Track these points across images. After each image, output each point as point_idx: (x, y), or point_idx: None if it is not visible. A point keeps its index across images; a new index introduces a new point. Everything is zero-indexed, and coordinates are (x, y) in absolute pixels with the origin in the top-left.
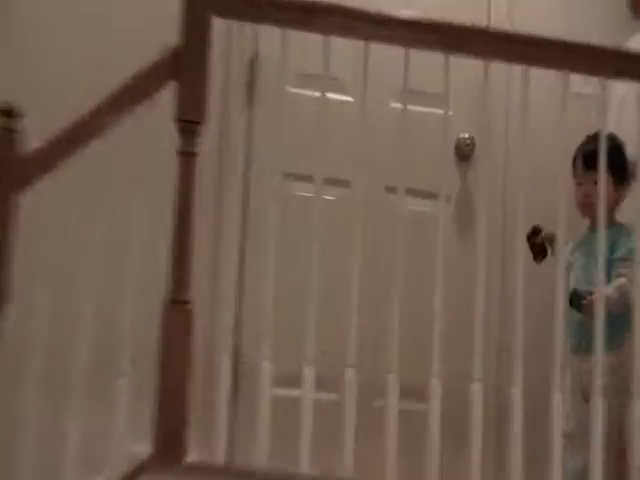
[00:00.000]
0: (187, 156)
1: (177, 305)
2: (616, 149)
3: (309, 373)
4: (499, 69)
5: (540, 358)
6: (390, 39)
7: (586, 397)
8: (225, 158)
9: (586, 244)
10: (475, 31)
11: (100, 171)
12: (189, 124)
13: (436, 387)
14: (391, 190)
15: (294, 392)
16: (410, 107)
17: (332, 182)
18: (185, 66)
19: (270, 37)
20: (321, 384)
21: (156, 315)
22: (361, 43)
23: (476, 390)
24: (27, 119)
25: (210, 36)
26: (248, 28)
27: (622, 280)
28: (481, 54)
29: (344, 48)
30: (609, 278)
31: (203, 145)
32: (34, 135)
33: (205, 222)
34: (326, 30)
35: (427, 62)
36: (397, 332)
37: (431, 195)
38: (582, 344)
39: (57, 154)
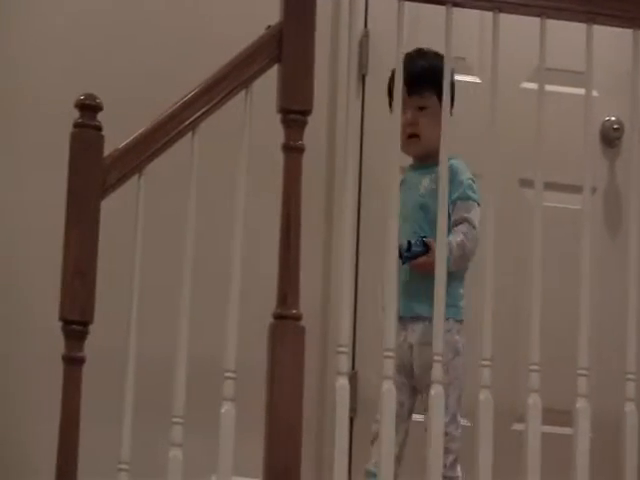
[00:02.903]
0: (293, 151)
1: (286, 321)
2: (443, 67)
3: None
4: None
5: None
6: (523, 8)
7: (414, 384)
8: (334, 153)
9: (411, 187)
10: None
11: (192, 171)
12: (294, 114)
13: (584, 409)
14: (526, 183)
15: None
16: (547, 87)
17: None
18: (287, 48)
19: (383, 12)
20: None
21: (263, 332)
22: (488, 14)
23: (630, 411)
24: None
25: (314, 12)
26: (359, 1)
27: (463, 230)
28: (630, 22)
29: (468, 22)
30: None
31: (310, 139)
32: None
33: (315, 225)
34: (447, 0)
35: (566, 34)
36: (538, 345)
37: (573, 188)
38: (403, 307)
39: (144, 153)
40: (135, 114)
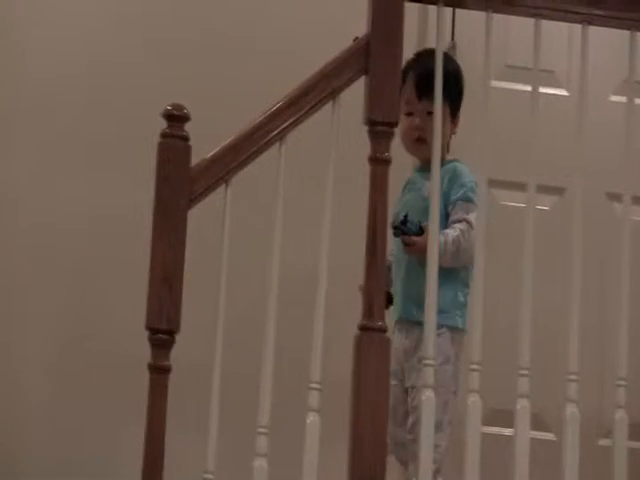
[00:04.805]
0: (380, 163)
1: (372, 333)
2: (453, 72)
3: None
4: None
5: None
6: (614, 21)
7: (407, 386)
8: None
9: (415, 189)
10: None
11: (279, 181)
12: (381, 126)
13: None
14: (615, 197)
15: (505, 430)
16: (636, 100)
17: (546, 189)
18: (374, 60)
19: (470, 23)
20: (537, 422)
21: (349, 343)
22: (577, 27)
23: None
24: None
25: (402, 24)
26: (446, 13)
27: (460, 227)
28: None
29: (555, 34)
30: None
31: (396, 150)
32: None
33: None
34: (535, 13)
35: None
36: (626, 360)
37: None
38: (402, 309)
39: (231, 163)
40: (223, 124)
